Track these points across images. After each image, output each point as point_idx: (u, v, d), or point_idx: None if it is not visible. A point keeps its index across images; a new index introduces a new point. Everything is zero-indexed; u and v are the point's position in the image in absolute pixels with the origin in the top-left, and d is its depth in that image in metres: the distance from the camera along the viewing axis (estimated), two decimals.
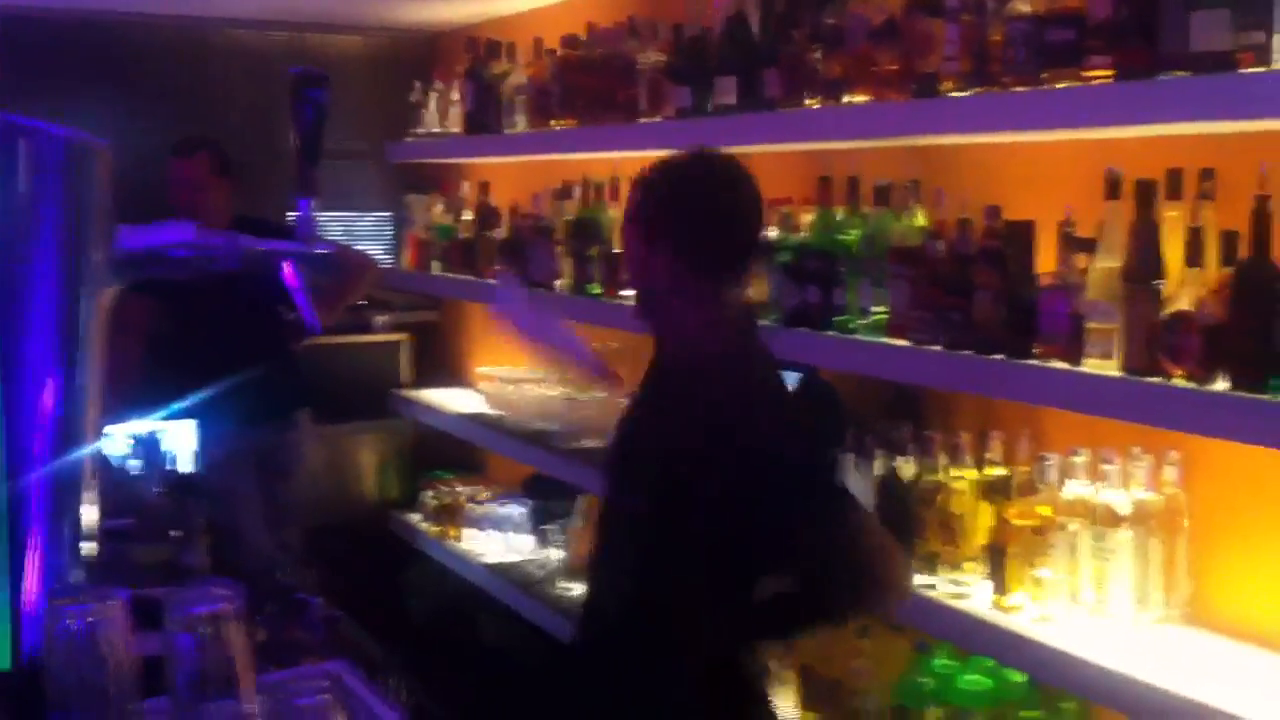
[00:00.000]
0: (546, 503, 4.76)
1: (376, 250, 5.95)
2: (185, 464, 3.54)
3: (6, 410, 1.46)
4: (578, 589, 4.49)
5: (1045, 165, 2.86)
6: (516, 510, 4.91)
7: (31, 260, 1.48)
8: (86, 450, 1.54)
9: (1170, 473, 2.54)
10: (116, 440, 3.44)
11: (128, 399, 3.81)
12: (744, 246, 2.42)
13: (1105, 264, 2.41)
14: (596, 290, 4.05)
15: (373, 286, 5.02)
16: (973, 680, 2.88)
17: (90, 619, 1.20)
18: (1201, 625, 2.55)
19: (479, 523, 5.00)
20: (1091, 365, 2.42)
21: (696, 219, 2.36)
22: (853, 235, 3.04)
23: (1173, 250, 2.32)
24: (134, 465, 3.44)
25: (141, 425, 3.64)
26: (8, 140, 1.50)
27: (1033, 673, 2.67)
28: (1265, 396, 2.09)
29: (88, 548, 1.54)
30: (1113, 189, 2.43)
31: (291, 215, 5.26)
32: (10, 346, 1.48)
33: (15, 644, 1.45)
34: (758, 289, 3.35)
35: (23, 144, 1.50)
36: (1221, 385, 2.18)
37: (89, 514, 1.56)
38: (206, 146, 4.54)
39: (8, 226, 1.48)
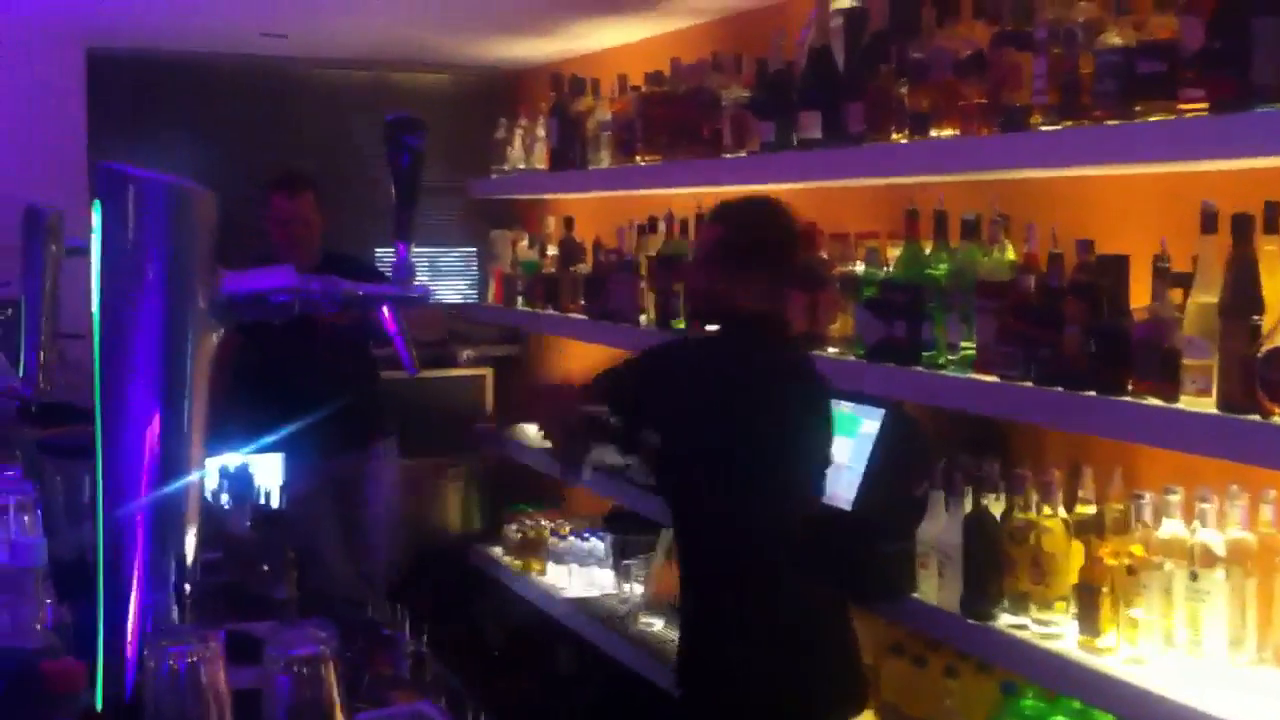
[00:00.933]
0: (627, 537, 4.75)
1: (461, 285, 6.00)
2: (274, 497, 3.59)
3: (107, 450, 1.50)
4: (659, 624, 4.48)
5: (1138, 199, 2.83)
6: (598, 544, 4.91)
7: (137, 304, 1.51)
8: (186, 488, 1.56)
9: (1267, 512, 2.48)
10: (207, 474, 3.50)
11: (216, 432, 3.87)
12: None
13: (1201, 299, 2.37)
14: (680, 325, 4.06)
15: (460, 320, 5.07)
16: None
17: (191, 659, 1.21)
18: None
19: (561, 556, 5.01)
20: (1187, 402, 2.37)
21: (788, 246, 2.96)
22: (940, 269, 3.01)
23: (1271, 285, 2.27)
24: (224, 499, 3.49)
25: (230, 459, 3.70)
26: (116, 188, 1.53)
27: (1122, 714, 2.61)
28: None
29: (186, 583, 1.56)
30: (1208, 223, 2.39)
31: (380, 251, 5.34)
32: (114, 387, 1.51)
33: (113, 683, 1.48)
34: (842, 324, 3.34)
35: (131, 191, 1.53)
36: None
37: (190, 550, 1.58)
38: (312, 184, 4.59)
39: (115, 271, 1.52)
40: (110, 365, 1.52)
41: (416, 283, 1.77)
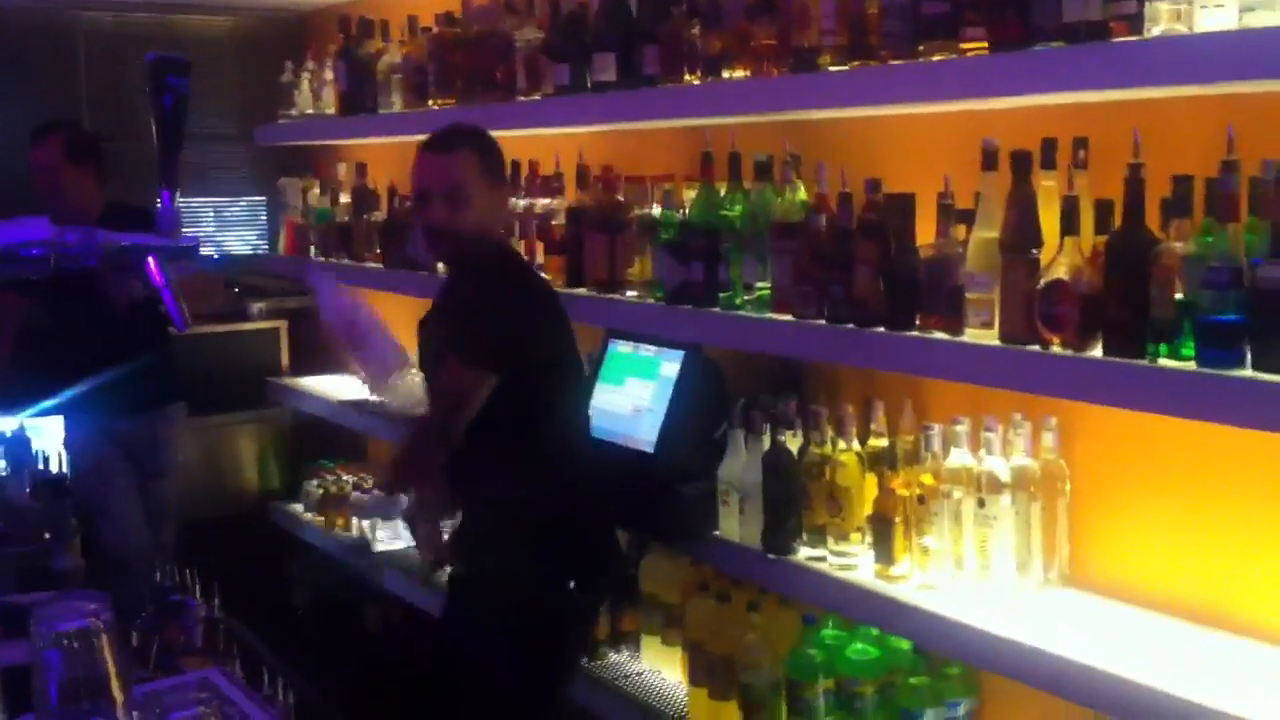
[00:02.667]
0: None
1: (251, 235, 5.82)
2: (54, 463, 3.43)
3: None
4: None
5: (924, 137, 2.89)
6: (402, 497, 4.83)
7: None
8: None
9: (1049, 439, 2.58)
10: None
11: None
12: None
13: (984, 234, 2.43)
14: None
15: (250, 271, 4.91)
16: (860, 650, 2.90)
17: None
18: (1082, 588, 2.61)
19: (365, 511, 4.92)
20: (972, 335, 2.44)
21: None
22: (736, 211, 3.03)
23: (1049, 220, 2.34)
24: (0, 466, 3.32)
25: (6, 424, 3.52)
26: None
27: (918, 640, 2.71)
28: (1141, 362, 2.13)
29: None
30: (989, 160, 2.45)
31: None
32: None
33: None
34: (641, 267, 3.34)
35: None
36: (1098, 352, 2.22)
37: None
38: (60, 130, 4.35)
39: None
40: None
41: (187, 233, 1.69)
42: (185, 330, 1.82)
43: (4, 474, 3.43)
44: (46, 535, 2.75)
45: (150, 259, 1.69)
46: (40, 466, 3.44)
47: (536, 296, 3.09)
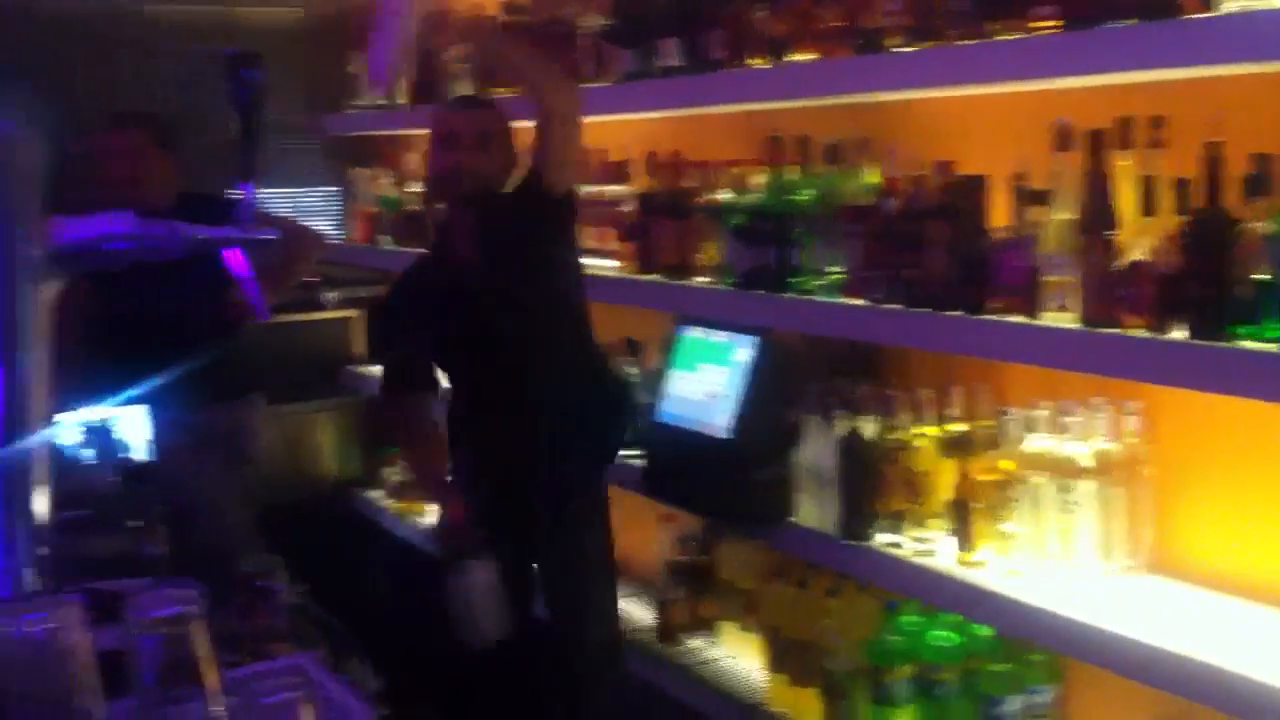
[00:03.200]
0: None
1: (324, 225, 5.87)
2: (139, 452, 3.48)
3: None
4: None
5: (995, 118, 2.85)
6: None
7: None
8: (33, 445, 1.49)
9: (1131, 423, 2.55)
10: (67, 430, 3.38)
11: (75, 387, 3.74)
12: None
13: (1059, 216, 2.40)
14: None
15: (319, 261, 4.95)
16: (941, 636, 2.88)
17: (48, 625, 1.16)
18: (1165, 573, 2.57)
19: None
20: (1049, 318, 2.42)
21: None
22: (805, 195, 3.02)
23: (1126, 200, 2.32)
24: (86, 455, 3.38)
25: (92, 414, 3.58)
26: None
27: (999, 626, 2.69)
28: (1222, 344, 2.10)
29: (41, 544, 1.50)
30: (1063, 140, 2.42)
31: (234, 193, 5.19)
32: None
33: None
34: (710, 252, 3.34)
35: None
36: (1178, 334, 2.19)
37: (41, 508, 1.52)
38: (142, 117, 4.42)
39: None
40: None
41: (269, 224, 1.71)
42: (267, 320, 1.84)
43: (90, 463, 3.49)
44: (132, 523, 2.79)
45: (233, 251, 1.71)
46: (125, 455, 3.50)
47: None
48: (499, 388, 3.27)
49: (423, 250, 3.98)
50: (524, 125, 3.26)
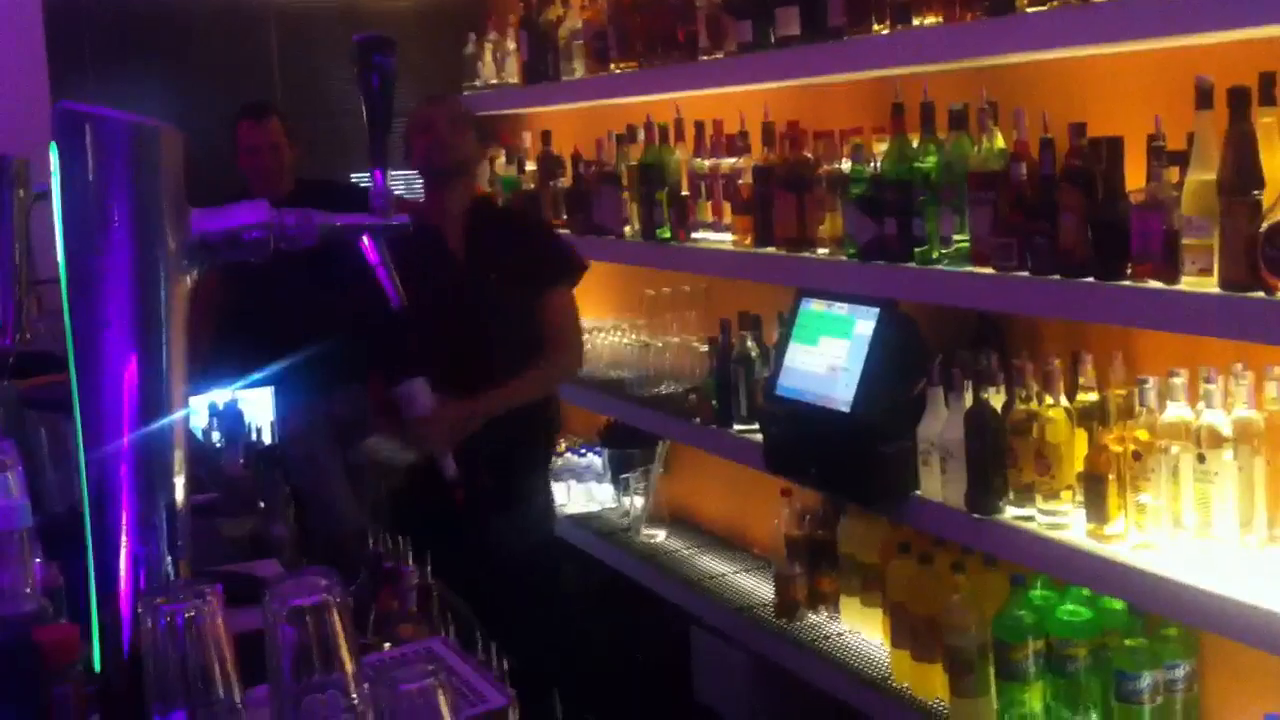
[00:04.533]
0: (624, 451, 4.73)
1: None
2: (266, 434, 3.55)
3: (84, 400, 1.45)
4: (660, 535, 4.48)
5: (1130, 78, 2.76)
6: (595, 460, 4.89)
7: (103, 248, 1.45)
8: (170, 433, 1.51)
9: (1273, 389, 2.44)
10: (195, 413, 3.46)
11: (201, 370, 3.82)
12: None
13: (1199, 177, 2.32)
14: (666, 234, 4.00)
15: None
16: (1072, 611, 2.82)
17: (188, 614, 1.17)
18: None
19: (558, 474, 4.98)
20: (1189, 283, 2.34)
21: None
22: (930, 163, 2.95)
23: (1270, 159, 2.22)
24: (215, 438, 3.45)
25: (220, 396, 3.65)
26: (73, 129, 1.47)
27: (1134, 601, 2.62)
28: None
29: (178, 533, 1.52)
30: (1204, 98, 2.33)
31: (355, 178, 5.24)
32: (86, 334, 1.46)
33: (110, 643, 1.44)
34: (831, 224, 3.29)
35: (89, 131, 1.47)
36: None
37: (180, 497, 1.54)
38: (276, 109, 4.54)
39: (77, 214, 1.46)
40: (80, 312, 1.46)
41: (399, 211, 1.71)
42: (399, 306, 1.85)
43: (219, 445, 3.57)
44: (261, 504, 2.84)
45: (365, 237, 1.72)
46: (253, 438, 3.56)
47: None
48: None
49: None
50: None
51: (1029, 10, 2.59)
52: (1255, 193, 2.22)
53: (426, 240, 3.47)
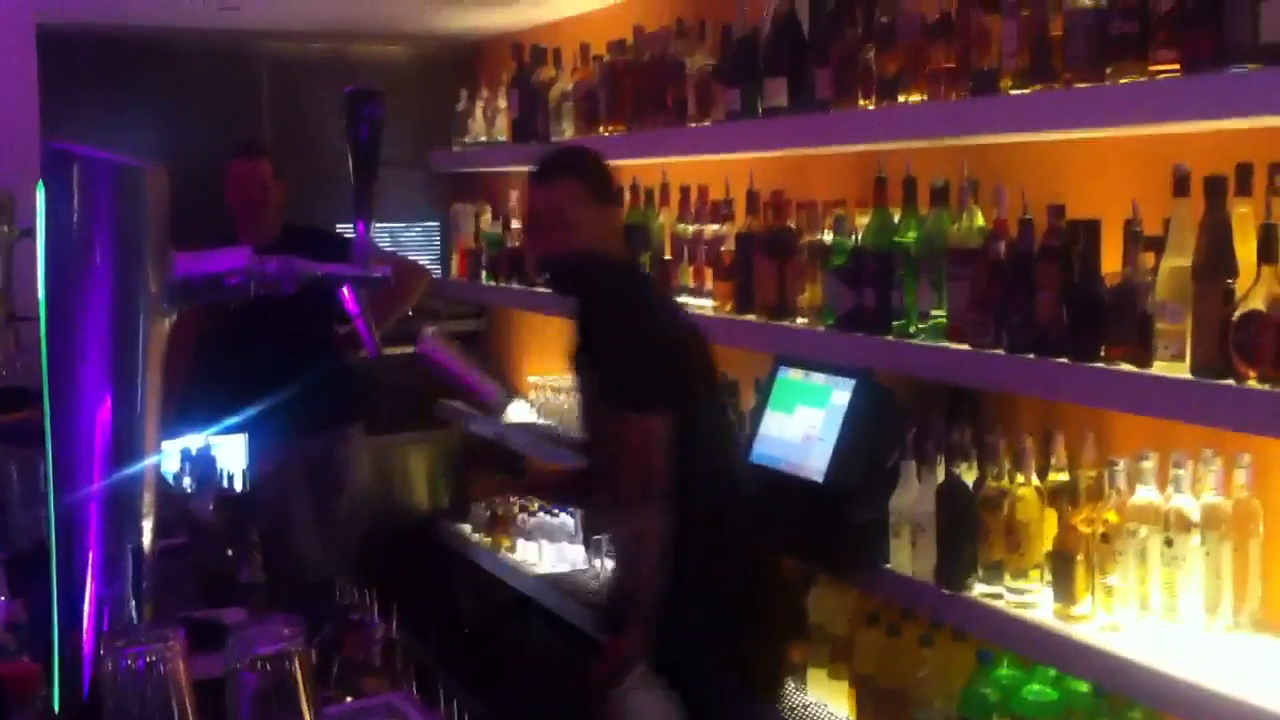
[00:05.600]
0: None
1: (424, 260, 5.94)
2: (238, 480, 3.53)
3: (56, 438, 1.44)
4: None
5: (1109, 162, 2.80)
6: (567, 520, 4.88)
7: (84, 287, 1.46)
8: (141, 474, 1.51)
9: (1242, 476, 2.46)
10: (168, 457, 3.44)
11: (174, 411, 3.80)
12: None
13: (1174, 263, 2.35)
14: None
15: (423, 296, 5.01)
16: (1038, 690, 2.81)
17: (149, 659, 1.17)
18: (1274, 632, 2.47)
19: (530, 533, 4.98)
20: (1161, 367, 2.35)
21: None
22: (910, 237, 2.98)
23: (1244, 247, 2.25)
24: (186, 482, 3.43)
25: (193, 441, 3.63)
26: (61, 168, 1.48)
27: (1100, 682, 2.61)
28: None
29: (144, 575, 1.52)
30: (1181, 185, 2.37)
31: (341, 227, 5.26)
32: (63, 372, 1.46)
33: (69, 683, 1.43)
34: (811, 293, 3.31)
35: (76, 171, 1.48)
36: None
37: (147, 539, 1.54)
38: (267, 150, 4.57)
39: (61, 253, 1.47)
40: (58, 350, 1.46)
41: (381, 262, 1.72)
42: (377, 357, 1.85)
43: (190, 490, 3.55)
44: (229, 550, 2.83)
45: (345, 288, 1.73)
46: (224, 484, 3.55)
47: (666, 320, 3.05)
48: None
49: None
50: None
51: (1012, 92, 2.63)
52: (1229, 280, 2.24)
53: None
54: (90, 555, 1.46)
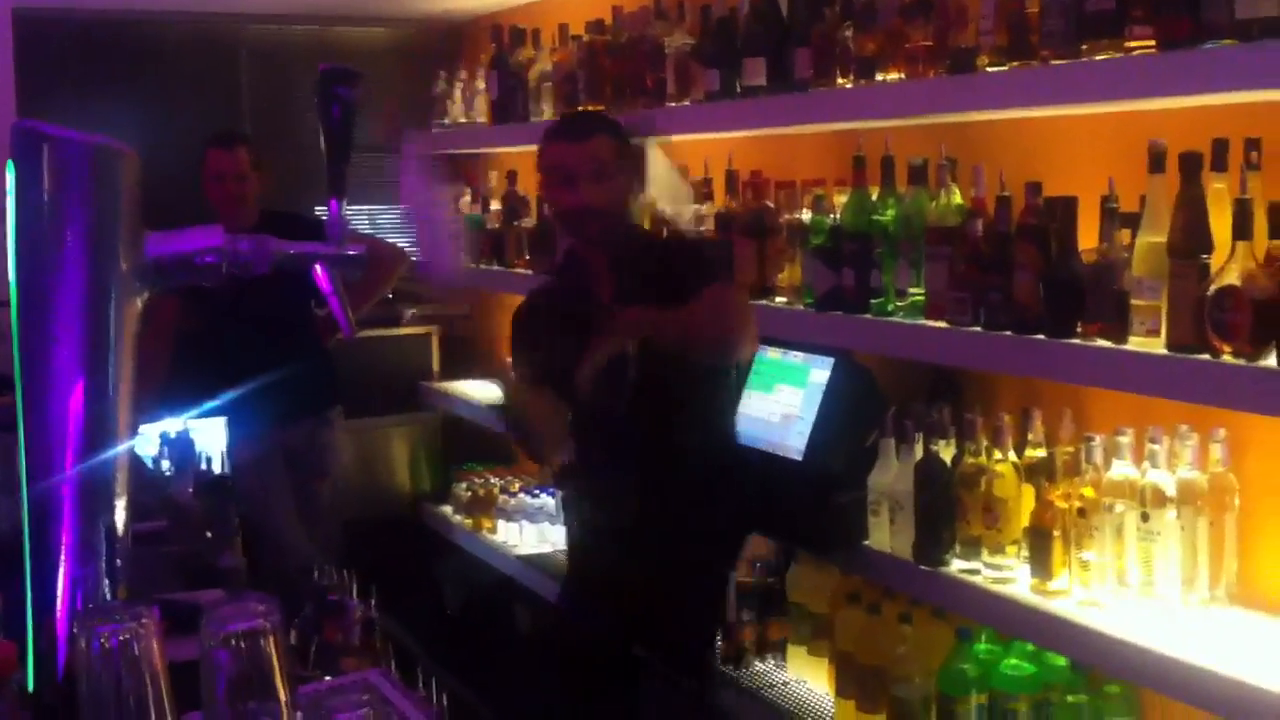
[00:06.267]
0: None
1: (403, 243, 5.93)
2: (217, 464, 3.52)
3: (29, 421, 1.44)
4: None
5: (1086, 139, 2.80)
6: (548, 500, 4.88)
7: (56, 268, 1.45)
8: (114, 456, 1.51)
9: (1217, 451, 2.48)
10: (146, 440, 3.43)
11: (156, 397, 3.79)
12: None
13: (1150, 239, 2.35)
14: None
15: (402, 278, 5.00)
16: (1015, 665, 2.83)
17: (123, 637, 1.17)
18: (1249, 606, 2.50)
19: (510, 514, 4.98)
20: (1137, 343, 2.36)
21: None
22: (888, 216, 2.98)
23: (1219, 223, 2.26)
24: (165, 466, 3.42)
25: (171, 424, 3.62)
26: (31, 148, 1.47)
27: (1076, 657, 2.63)
28: None
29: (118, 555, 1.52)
30: (1156, 162, 2.38)
31: (320, 211, 5.25)
32: (35, 355, 1.45)
33: (45, 663, 1.43)
34: (791, 273, 3.31)
35: (46, 151, 1.47)
36: (1271, 361, 2.13)
37: (121, 520, 1.53)
38: (245, 139, 4.54)
39: (31, 234, 1.46)
40: (29, 333, 1.46)
41: (354, 240, 1.72)
42: (351, 336, 1.85)
43: (169, 474, 3.54)
44: (209, 534, 2.82)
45: (318, 266, 1.72)
46: (203, 467, 3.54)
47: None
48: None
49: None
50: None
51: (989, 70, 2.64)
52: (1204, 256, 2.25)
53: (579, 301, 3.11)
54: (64, 537, 1.46)
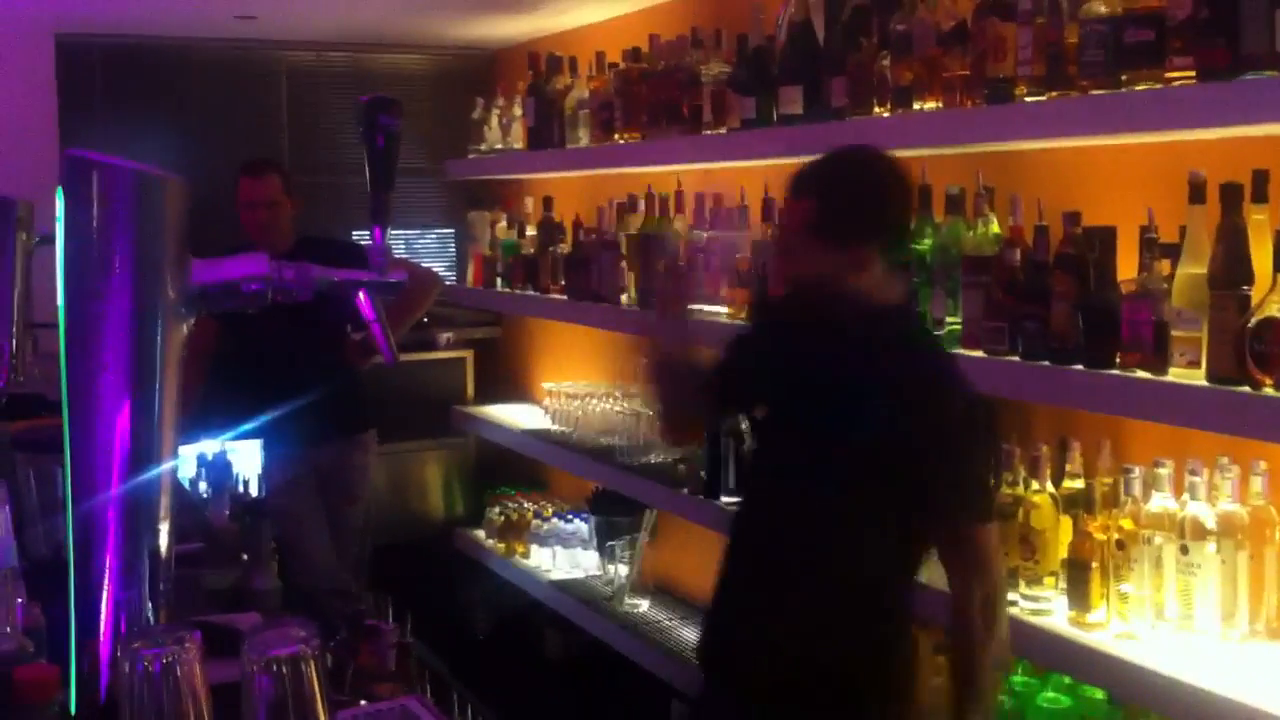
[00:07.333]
0: (610, 518, 4.72)
1: (439, 267, 5.96)
2: (253, 485, 3.55)
3: (75, 444, 1.45)
4: (644, 605, 4.46)
5: (1125, 169, 2.80)
6: (581, 526, 4.88)
7: (103, 294, 1.47)
8: (158, 480, 1.52)
9: (1258, 484, 2.46)
10: (184, 462, 3.46)
11: (191, 419, 3.82)
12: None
13: (1190, 270, 2.34)
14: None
15: (439, 303, 5.02)
16: (1052, 698, 2.81)
17: (165, 660, 1.18)
18: None
19: (544, 539, 4.98)
20: (1177, 374, 2.35)
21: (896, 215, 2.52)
22: (925, 245, 2.98)
23: (1260, 255, 2.25)
24: (202, 488, 3.45)
25: (209, 447, 3.66)
26: (80, 175, 1.49)
27: (1114, 690, 2.61)
28: None
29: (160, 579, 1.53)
30: (1197, 193, 2.37)
31: (358, 234, 5.28)
32: (82, 379, 1.47)
33: (87, 686, 1.44)
34: None
35: (95, 178, 1.49)
36: None
37: (164, 544, 1.55)
38: (278, 168, 4.58)
39: (80, 260, 1.48)
40: (76, 357, 1.48)
41: (397, 268, 1.73)
42: (393, 363, 1.86)
43: (205, 496, 3.57)
44: (244, 556, 2.83)
45: (361, 293, 1.74)
46: (240, 489, 3.56)
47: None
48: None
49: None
50: None
51: (1027, 100, 2.63)
52: (1244, 288, 2.24)
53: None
54: (108, 560, 1.47)
